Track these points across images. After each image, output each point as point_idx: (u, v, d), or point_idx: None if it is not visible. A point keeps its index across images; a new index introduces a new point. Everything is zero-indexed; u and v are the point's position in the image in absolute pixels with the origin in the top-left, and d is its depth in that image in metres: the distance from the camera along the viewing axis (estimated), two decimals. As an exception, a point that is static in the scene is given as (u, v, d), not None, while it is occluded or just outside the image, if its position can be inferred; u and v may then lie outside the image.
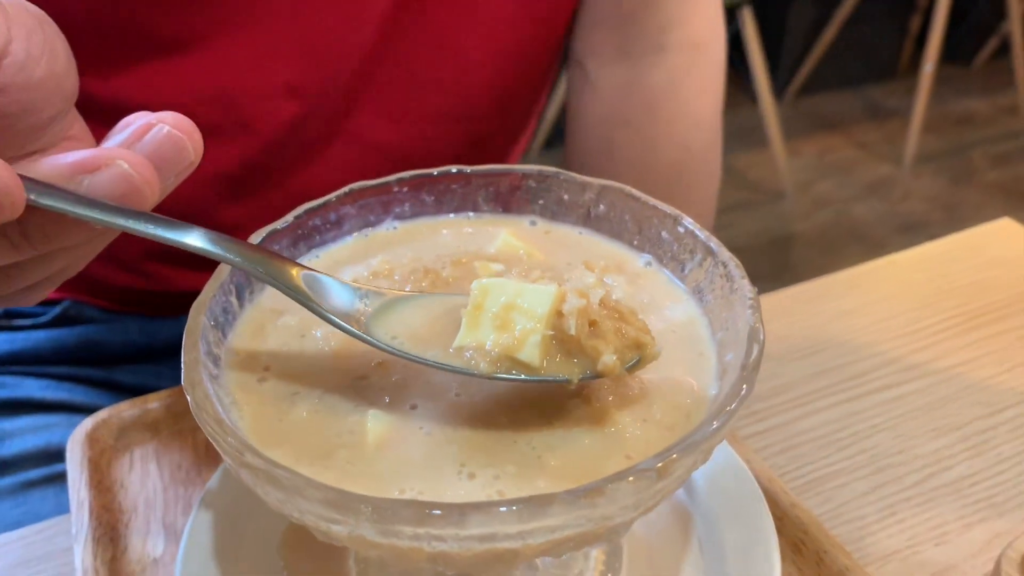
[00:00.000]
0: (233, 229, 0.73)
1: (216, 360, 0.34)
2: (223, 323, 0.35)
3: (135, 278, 0.73)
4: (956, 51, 3.32)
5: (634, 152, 0.70)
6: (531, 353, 0.31)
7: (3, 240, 0.33)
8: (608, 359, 0.30)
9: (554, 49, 0.71)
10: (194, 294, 0.79)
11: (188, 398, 0.30)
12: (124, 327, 0.78)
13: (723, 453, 0.44)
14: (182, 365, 0.32)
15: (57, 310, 0.76)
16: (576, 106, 0.72)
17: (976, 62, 3.35)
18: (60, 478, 0.69)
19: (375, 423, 0.32)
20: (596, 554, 0.41)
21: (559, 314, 0.31)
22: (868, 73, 3.21)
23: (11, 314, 0.77)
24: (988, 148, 2.87)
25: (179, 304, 0.76)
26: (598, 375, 0.31)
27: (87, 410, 0.76)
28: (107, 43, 0.61)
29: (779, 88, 3.12)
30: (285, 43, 0.63)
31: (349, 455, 0.31)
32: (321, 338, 0.36)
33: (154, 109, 0.65)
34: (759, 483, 0.43)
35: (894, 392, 0.54)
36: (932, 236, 0.70)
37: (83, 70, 0.39)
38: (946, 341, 0.59)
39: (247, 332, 0.36)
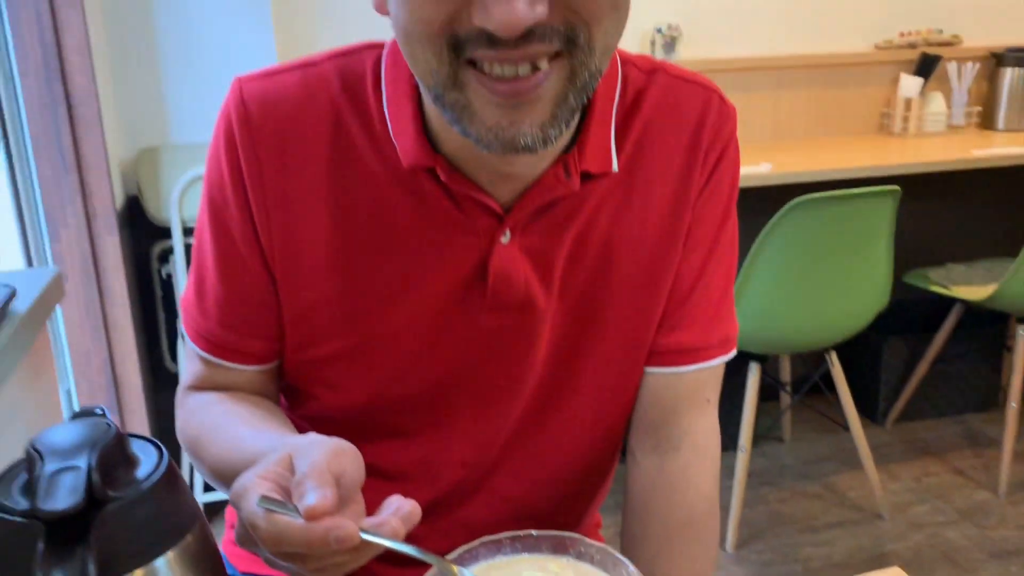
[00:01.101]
0: (414, 539, 1.20)
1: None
2: (427, 600, 0.81)
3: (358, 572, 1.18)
4: (1055, 384, 3.50)
5: (659, 509, 1.12)
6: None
7: (345, 553, 0.73)
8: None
9: (618, 444, 1.18)
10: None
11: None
12: (343, 603, 1.18)
13: None
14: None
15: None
16: (628, 478, 1.18)
17: (1076, 395, 3.51)
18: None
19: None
20: None
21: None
22: (966, 404, 3.41)
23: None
24: (1088, 480, 3.00)
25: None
26: None
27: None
28: (360, 432, 0.93)
29: (880, 415, 3.40)
30: (460, 435, 0.98)
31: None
32: (464, 608, 0.81)
33: (384, 470, 1.16)
34: None
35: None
36: None
37: None
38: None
39: (435, 604, 0.82)
